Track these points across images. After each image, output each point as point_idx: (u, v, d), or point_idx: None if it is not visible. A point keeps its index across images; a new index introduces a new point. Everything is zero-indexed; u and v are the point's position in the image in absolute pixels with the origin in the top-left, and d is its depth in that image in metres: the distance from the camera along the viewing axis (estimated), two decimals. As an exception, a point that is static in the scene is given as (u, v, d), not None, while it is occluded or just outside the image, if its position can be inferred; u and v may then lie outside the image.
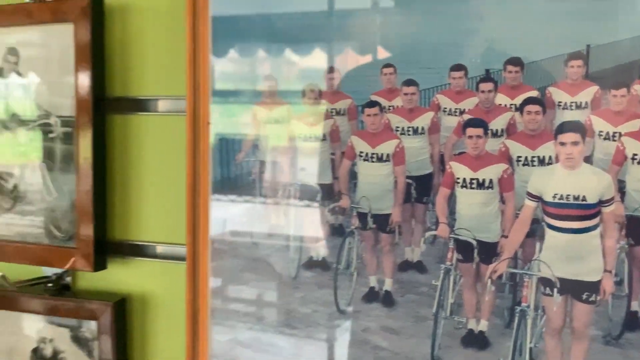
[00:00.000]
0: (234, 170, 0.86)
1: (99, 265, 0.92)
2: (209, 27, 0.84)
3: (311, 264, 0.82)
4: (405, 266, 0.78)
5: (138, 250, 0.94)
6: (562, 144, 0.68)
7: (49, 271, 0.98)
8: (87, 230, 0.91)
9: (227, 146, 0.86)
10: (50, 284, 0.98)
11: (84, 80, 0.90)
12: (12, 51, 0.96)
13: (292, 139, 0.82)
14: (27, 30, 0.94)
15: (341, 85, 0.79)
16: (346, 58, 0.79)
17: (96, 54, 0.90)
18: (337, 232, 0.81)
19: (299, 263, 0.83)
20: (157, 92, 0.92)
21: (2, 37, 0.95)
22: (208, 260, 0.87)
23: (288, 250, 0.84)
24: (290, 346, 0.84)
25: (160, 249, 0.93)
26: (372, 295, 0.79)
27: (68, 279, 0.98)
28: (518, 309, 0.72)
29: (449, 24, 0.73)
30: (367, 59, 0.78)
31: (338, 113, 0.80)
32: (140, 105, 0.93)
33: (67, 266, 0.92)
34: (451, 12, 0.73)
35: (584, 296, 0.69)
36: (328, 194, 0.81)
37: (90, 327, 0.93)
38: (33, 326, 0.96)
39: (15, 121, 0.96)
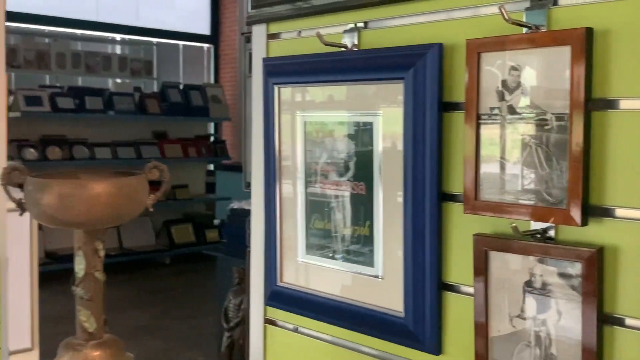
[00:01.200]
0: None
1: (583, 222, 1.26)
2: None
3: None
4: None
5: (611, 213, 1.25)
6: None
7: (536, 226, 1.35)
8: (576, 196, 1.25)
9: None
10: (538, 235, 1.35)
11: (577, 86, 1.24)
12: (515, 67, 1.34)
13: None
14: (527, 52, 1.31)
15: None
16: None
17: (586, 68, 1.23)
18: None
19: None
20: (632, 94, 1.22)
21: (509, 58, 1.34)
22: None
23: None
24: None
25: (631, 212, 1.23)
26: None
27: (551, 232, 1.34)
28: None
29: None
30: None
31: None
32: (615, 104, 1.24)
33: (561, 222, 1.28)
34: None
35: None
36: None
37: (574, 267, 1.27)
38: (528, 264, 1.34)
39: (515, 117, 1.34)
